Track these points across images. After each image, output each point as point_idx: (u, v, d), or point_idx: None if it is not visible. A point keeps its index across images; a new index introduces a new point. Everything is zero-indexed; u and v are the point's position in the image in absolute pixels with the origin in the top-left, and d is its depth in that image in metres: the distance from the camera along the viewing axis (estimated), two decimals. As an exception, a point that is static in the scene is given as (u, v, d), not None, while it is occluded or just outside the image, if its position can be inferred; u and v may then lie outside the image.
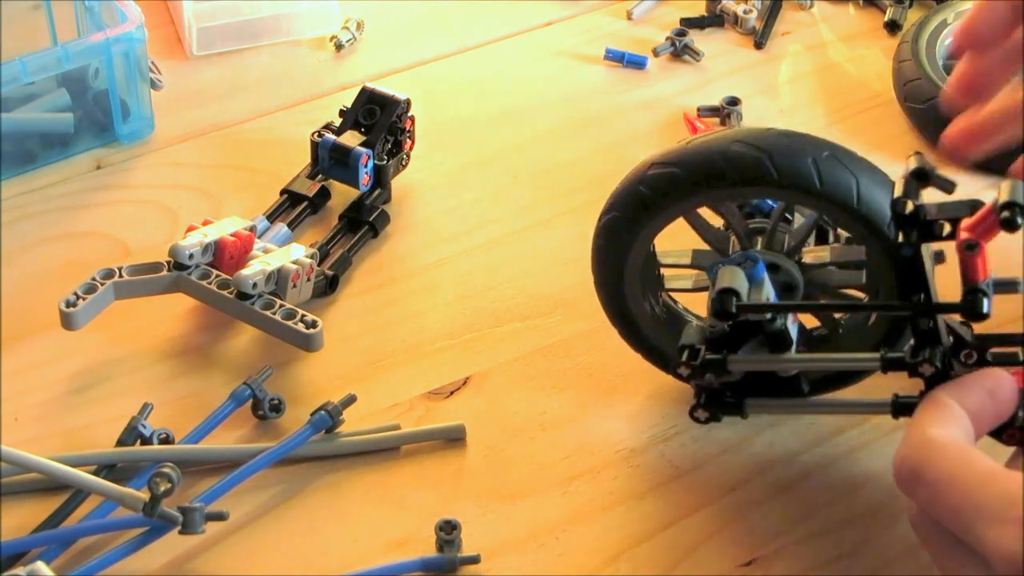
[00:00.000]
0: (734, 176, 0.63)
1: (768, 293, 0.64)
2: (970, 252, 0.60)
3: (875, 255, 0.65)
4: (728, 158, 0.63)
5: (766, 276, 0.64)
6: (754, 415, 0.71)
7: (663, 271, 0.70)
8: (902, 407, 0.64)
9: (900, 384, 0.64)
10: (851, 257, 0.67)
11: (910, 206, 0.61)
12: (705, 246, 0.69)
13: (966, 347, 0.64)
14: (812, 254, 0.67)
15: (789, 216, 0.68)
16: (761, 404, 0.67)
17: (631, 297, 0.69)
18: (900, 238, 0.61)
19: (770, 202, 0.68)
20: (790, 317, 0.65)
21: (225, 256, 0.75)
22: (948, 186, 0.70)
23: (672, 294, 0.71)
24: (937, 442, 0.57)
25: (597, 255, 0.69)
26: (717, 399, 0.67)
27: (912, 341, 0.63)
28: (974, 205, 0.60)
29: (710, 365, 0.65)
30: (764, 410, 0.67)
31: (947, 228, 0.61)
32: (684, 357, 0.65)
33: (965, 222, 0.60)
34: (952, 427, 0.58)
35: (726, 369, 0.65)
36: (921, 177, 0.61)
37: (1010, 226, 0.57)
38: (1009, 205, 0.57)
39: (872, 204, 0.63)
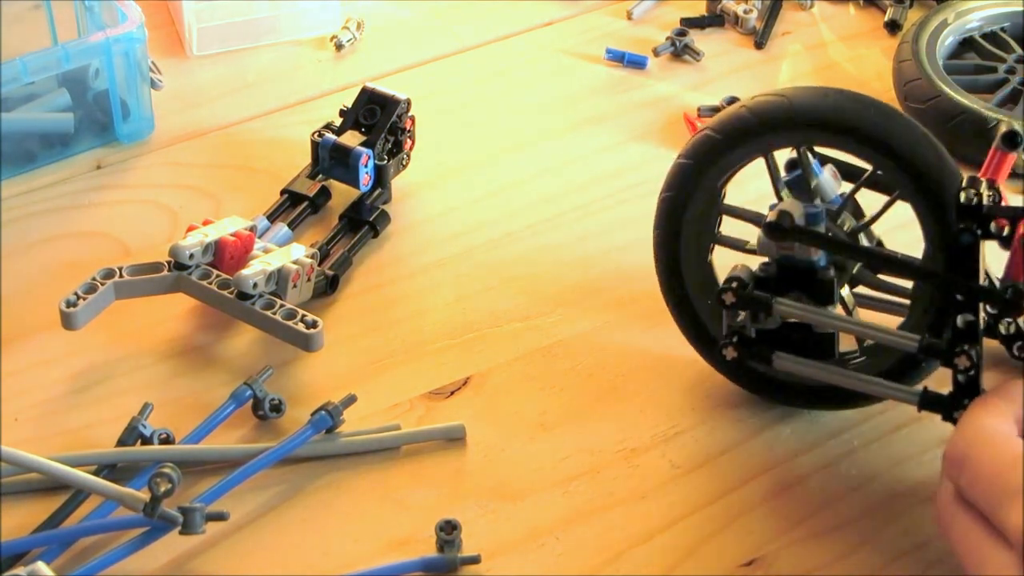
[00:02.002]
0: (831, 118, 0.65)
1: None
2: None
3: (932, 239, 0.65)
4: (829, 100, 0.66)
5: (824, 222, 0.66)
6: (752, 415, 0.71)
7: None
8: (930, 400, 0.64)
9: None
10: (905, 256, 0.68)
11: (975, 199, 0.62)
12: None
13: (1021, 339, 0.64)
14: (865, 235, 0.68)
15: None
16: (789, 359, 0.67)
17: (687, 227, 0.69)
18: (960, 226, 0.62)
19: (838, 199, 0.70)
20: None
21: (225, 256, 0.75)
22: None
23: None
24: (988, 429, 0.59)
25: (678, 174, 0.69)
26: (748, 344, 0.67)
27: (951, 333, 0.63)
28: None
29: (754, 301, 0.66)
30: (792, 366, 0.67)
31: (1007, 228, 0.62)
32: (732, 286, 0.66)
33: None
34: (1003, 420, 0.60)
35: (769, 309, 0.65)
36: (1012, 140, 0.63)
37: None
38: None
39: (944, 179, 0.64)
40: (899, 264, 0.67)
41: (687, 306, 0.71)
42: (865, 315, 0.71)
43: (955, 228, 0.63)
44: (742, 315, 0.67)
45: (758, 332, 0.67)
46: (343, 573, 0.64)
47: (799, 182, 0.69)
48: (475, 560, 0.64)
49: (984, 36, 0.93)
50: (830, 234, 0.67)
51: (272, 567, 0.65)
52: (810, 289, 0.66)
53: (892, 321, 0.69)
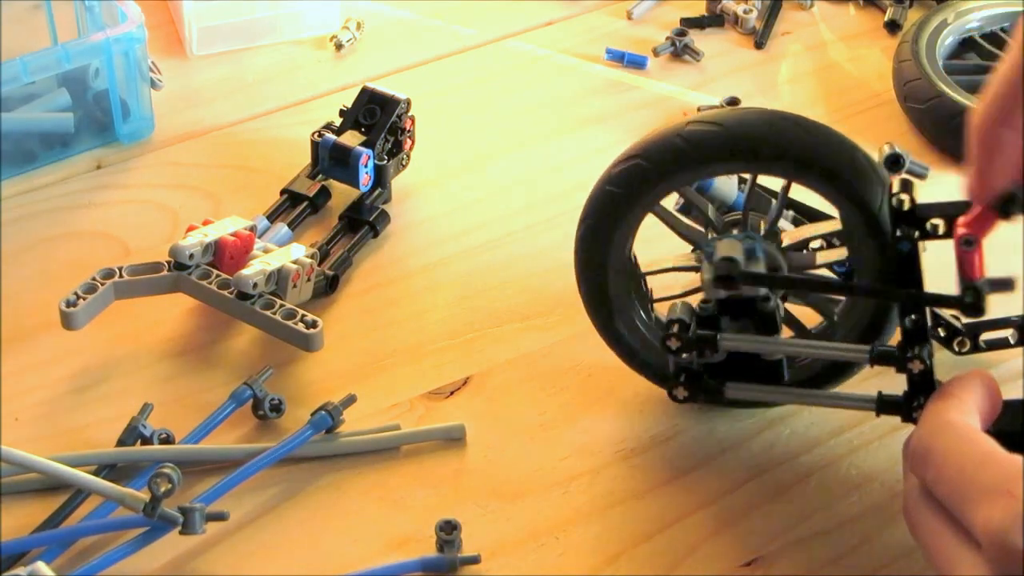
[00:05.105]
0: (740, 147, 0.63)
1: (762, 270, 0.65)
2: (968, 248, 0.61)
3: (860, 236, 0.64)
4: (731, 132, 0.63)
5: (762, 254, 0.65)
6: (751, 416, 0.71)
7: (650, 288, 0.70)
8: (886, 405, 0.64)
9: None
10: (829, 231, 0.67)
11: (907, 202, 0.61)
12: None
13: (959, 335, 0.64)
14: (790, 236, 0.67)
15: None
16: (742, 388, 0.66)
17: (613, 271, 0.68)
18: (897, 234, 0.61)
19: (740, 198, 0.68)
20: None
21: (225, 256, 0.75)
22: (922, 172, 0.70)
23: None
24: (951, 424, 0.58)
25: (585, 237, 0.68)
26: (696, 380, 0.67)
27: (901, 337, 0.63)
28: (968, 203, 0.61)
29: (700, 341, 0.65)
30: (744, 394, 0.67)
31: (942, 227, 0.61)
32: (675, 330, 0.65)
33: (961, 219, 0.61)
34: (965, 414, 0.59)
35: (716, 347, 0.65)
36: (895, 163, 0.62)
37: (1007, 216, 0.59)
38: (1009, 198, 0.58)
39: (865, 183, 0.63)
40: (854, 289, 0.66)
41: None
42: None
43: (892, 235, 0.62)
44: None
45: (704, 365, 0.66)
46: (343, 573, 0.64)
47: (687, 208, 0.68)
48: (475, 560, 0.64)
49: (984, 36, 0.93)
50: (772, 269, 0.66)
51: (272, 567, 0.65)
52: (753, 321, 0.65)
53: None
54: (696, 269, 0.68)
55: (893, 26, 0.97)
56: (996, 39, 0.93)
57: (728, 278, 0.63)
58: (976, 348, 0.70)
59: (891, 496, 0.67)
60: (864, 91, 0.92)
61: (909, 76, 0.89)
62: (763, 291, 0.64)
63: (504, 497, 0.68)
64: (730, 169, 0.65)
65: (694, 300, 0.67)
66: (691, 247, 0.68)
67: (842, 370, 0.68)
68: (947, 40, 0.92)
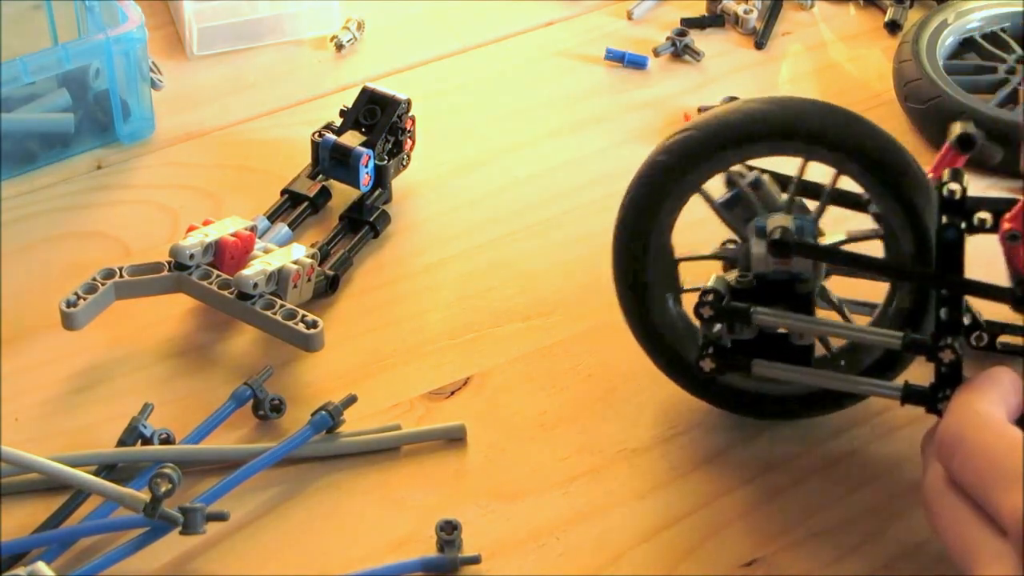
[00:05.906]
0: (808, 128, 0.64)
1: None
2: (1013, 242, 0.61)
3: (900, 234, 0.65)
4: (797, 113, 0.65)
5: (812, 232, 0.65)
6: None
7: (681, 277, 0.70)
8: (912, 394, 0.64)
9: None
10: (867, 232, 0.67)
11: (959, 192, 0.61)
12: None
13: (979, 329, 0.64)
14: (829, 236, 0.68)
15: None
16: (768, 366, 0.66)
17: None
18: (944, 221, 0.62)
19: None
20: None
21: (226, 256, 0.75)
22: (994, 154, 0.71)
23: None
24: (982, 414, 0.59)
25: (655, 172, 0.67)
26: (724, 354, 0.67)
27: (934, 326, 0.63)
28: (1012, 199, 0.61)
29: (734, 312, 0.65)
30: (770, 371, 0.66)
31: (989, 220, 0.62)
32: (709, 299, 0.65)
33: (1007, 214, 0.61)
34: (994, 406, 0.60)
35: (748, 319, 0.65)
36: (966, 144, 0.62)
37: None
38: None
39: (911, 180, 0.64)
40: (904, 272, 0.66)
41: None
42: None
43: (939, 223, 0.62)
44: (718, 326, 0.66)
45: (733, 342, 0.66)
46: (343, 573, 0.64)
47: (736, 200, 0.67)
48: (475, 560, 0.64)
49: (984, 36, 0.93)
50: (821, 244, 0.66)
51: (272, 567, 0.65)
52: (788, 302, 0.65)
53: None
54: (733, 260, 0.68)
55: (893, 26, 0.97)
56: (996, 39, 0.93)
57: (783, 244, 0.64)
58: (991, 347, 0.70)
59: (891, 496, 0.67)
60: (864, 91, 0.92)
61: (909, 76, 0.89)
62: (803, 272, 0.65)
63: (504, 497, 0.68)
64: (781, 150, 0.65)
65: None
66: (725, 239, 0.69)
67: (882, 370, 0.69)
68: (947, 40, 0.92)
